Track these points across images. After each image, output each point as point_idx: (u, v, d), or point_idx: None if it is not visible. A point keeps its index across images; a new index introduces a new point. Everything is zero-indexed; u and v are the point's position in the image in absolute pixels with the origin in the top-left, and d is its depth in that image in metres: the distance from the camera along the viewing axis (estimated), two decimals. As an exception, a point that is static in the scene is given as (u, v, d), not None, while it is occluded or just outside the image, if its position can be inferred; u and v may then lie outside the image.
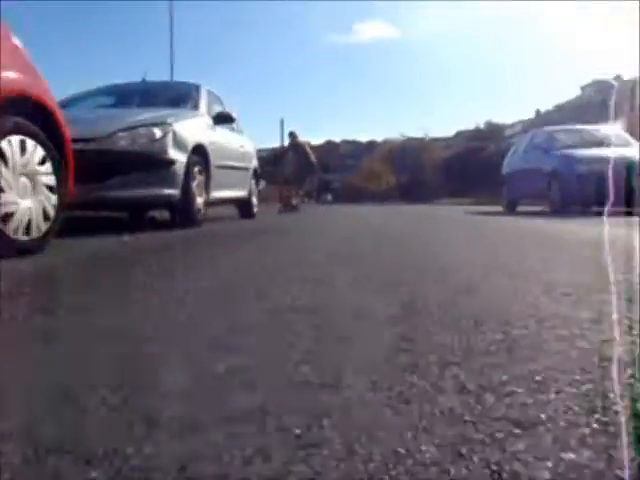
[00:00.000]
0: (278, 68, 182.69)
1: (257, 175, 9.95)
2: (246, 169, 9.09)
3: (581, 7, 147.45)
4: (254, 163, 9.71)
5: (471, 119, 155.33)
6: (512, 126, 48.98)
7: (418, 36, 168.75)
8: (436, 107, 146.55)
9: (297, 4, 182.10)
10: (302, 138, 15.36)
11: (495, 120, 56.32)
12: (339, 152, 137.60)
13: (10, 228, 2.99)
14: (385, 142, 67.74)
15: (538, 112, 46.07)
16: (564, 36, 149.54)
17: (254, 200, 9.76)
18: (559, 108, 41.70)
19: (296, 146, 14.99)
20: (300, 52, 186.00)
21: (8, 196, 2.99)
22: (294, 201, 14.38)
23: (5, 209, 2.95)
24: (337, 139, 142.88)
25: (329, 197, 67.05)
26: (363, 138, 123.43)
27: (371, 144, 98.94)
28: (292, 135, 15.18)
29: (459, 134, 69.72)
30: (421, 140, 59.10)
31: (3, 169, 2.96)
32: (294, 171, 15.07)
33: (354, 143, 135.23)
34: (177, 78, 21.86)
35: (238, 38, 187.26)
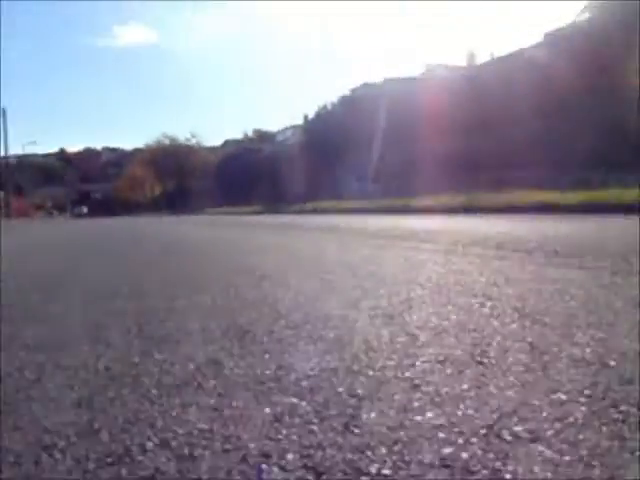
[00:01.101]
0: (35, 70, 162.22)
1: None
2: None
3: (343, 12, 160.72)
4: None
5: (238, 128, 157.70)
6: (283, 131, 49.00)
7: (180, 42, 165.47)
8: (203, 115, 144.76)
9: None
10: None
11: (264, 128, 56.08)
12: (101, 160, 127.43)
13: None
14: (148, 147, 62.36)
15: (306, 117, 47.05)
16: (326, 41, 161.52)
17: None
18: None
19: None
20: (59, 54, 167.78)
21: None
22: None
23: None
24: (98, 146, 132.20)
25: (84, 209, 59.99)
26: (127, 146, 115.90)
27: (136, 152, 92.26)
28: None
29: (227, 143, 68.35)
30: (188, 146, 56.08)
31: None
32: None
33: (117, 151, 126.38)
34: None
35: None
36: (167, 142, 59.99)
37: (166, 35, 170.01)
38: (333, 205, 21.52)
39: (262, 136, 53.46)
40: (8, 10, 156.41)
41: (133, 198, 60.17)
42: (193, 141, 57.34)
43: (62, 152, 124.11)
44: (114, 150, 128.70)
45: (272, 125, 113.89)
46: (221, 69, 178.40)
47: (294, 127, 50.92)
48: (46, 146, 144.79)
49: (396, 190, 22.73)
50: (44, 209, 49.22)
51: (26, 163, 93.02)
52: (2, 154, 33.85)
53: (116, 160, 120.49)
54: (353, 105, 32.40)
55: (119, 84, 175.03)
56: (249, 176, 35.70)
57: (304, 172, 33.47)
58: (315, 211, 20.65)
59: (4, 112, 31.84)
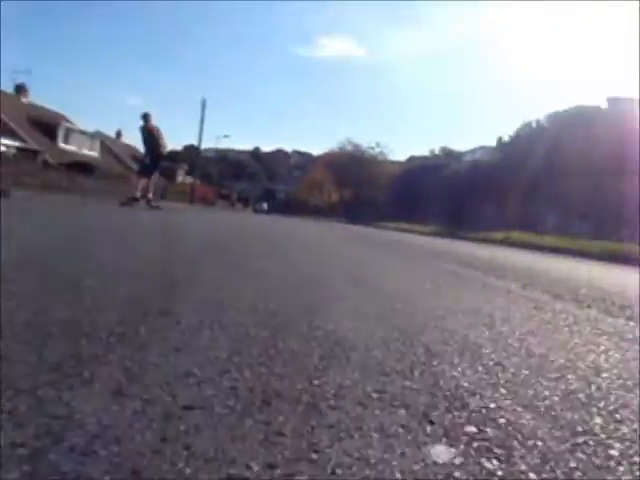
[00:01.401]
0: (241, 76, 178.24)
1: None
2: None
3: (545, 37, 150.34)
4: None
5: (424, 145, 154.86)
6: (473, 151, 45.66)
7: (382, 56, 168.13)
8: (390, 130, 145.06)
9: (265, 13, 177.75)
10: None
11: (450, 146, 53.00)
12: (289, 163, 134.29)
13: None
14: (331, 152, 62.39)
15: (500, 139, 43.30)
16: (524, 66, 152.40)
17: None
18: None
19: (144, 131, 12.70)
20: (263, 62, 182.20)
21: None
22: (138, 194, 12.27)
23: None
24: (288, 149, 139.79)
25: (264, 206, 62.29)
26: (315, 151, 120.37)
27: (320, 159, 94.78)
28: (145, 117, 12.67)
29: (412, 158, 66.20)
30: (372, 155, 55.02)
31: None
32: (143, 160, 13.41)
33: (305, 155, 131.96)
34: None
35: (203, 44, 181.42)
36: (350, 148, 59.17)
37: (367, 48, 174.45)
38: (528, 239, 17.80)
39: (449, 154, 50.39)
40: (220, 13, 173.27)
41: (312, 201, 61.15)
42: (377, 150, 56.10)
43: (256, 150, 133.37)
44: (302, 154, 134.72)
45: (461, 145, 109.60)
46: (413, 85, 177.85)
47: (484, 148, 47.18)
48: (242, 144, 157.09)
49: (610, 231, 18.56)
50: (228, 199, 51.75)
51: (221, 156, 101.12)
52: (196, 143, 35.71)
53: (303, 163, 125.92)
54: (562, 124, 28.07)
55: (315, 93, 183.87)
56: (430, 193, 33.18)
57: (492, 196, 29.95)
58: (505, 243, 17.33)
59: (204, 103, 33.57)
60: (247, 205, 61.18)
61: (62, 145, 30.99)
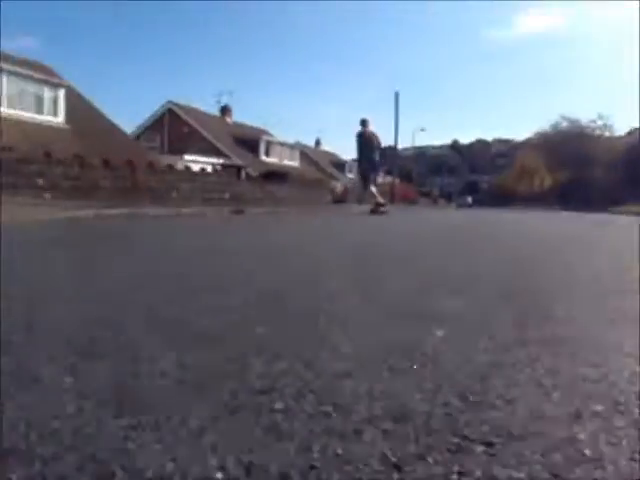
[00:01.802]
0: (426, 66, 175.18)
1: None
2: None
3: None
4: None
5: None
6: None
7: (582, 27, 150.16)
8: (605, 103, 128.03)
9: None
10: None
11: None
12: (490, 152, 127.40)
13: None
14: (541, 133, 54.55)
15: None
16: None
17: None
18: None
19: (361, 137, 12.93)
20: (459, 48, 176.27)
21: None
22: (380, 200, 12.86)
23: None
24: (489, 138, 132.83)
25: (469, 200, 58.52)
26: (518, 137, 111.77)
27: (526, 143, 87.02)
28: (363, 123, 12.97)
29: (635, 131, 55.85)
30: (593, 130, 46.82)
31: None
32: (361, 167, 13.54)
33: (507, 142, 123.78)
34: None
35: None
36: (565, 125, 51.17)
37: (565, 20, 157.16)
38: None
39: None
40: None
41: (520, 190, 55.75)
42: (599, 124, 48.04)
43: (455, 143, 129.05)
44: (505, 142, 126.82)
45: None
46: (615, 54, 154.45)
47: None
48: (440, 138, 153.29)
49: None
50: (430, 196, 49.71)
51: (420, 153, 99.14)
52: (393, 142, 34.47)
53: (506, 151, 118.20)
54: None
55: (513, 75, 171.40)
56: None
57: None
58: None
59: (397, 96, 32.07)
60: (450, 200, 58.49)
61: (263, 158, 32.37)
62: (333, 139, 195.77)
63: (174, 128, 30.17)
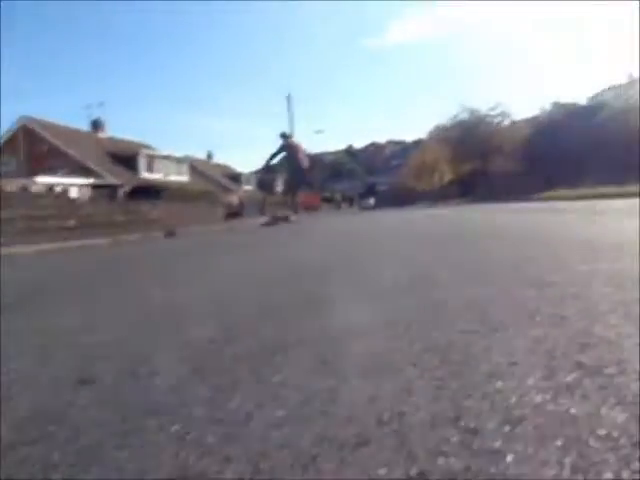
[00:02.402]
0: (313, 72, 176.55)
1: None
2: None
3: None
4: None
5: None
6: (601, 94, 37.56)
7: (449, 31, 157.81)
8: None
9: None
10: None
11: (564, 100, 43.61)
12: (385, 154, 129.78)
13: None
14: (440, 127, 52.81)
15: (630, 76, 36.62)
16: None
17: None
18: None
19: (286, 148, 13.02)
20: (336, 55, 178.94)
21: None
22: (280, 213, 12.60)
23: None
24: (382, 140, 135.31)
25: (371, 201, 57.67)
26: (409, 137, 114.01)
27: (418, 143, 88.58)
28: (284, 135, 13.31)
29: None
30: (493, 117, 45.99)
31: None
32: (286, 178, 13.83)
33: (400, 143, 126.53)
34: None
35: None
36: (466, 116, 48.83)
37: (439, 27, 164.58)
38: None
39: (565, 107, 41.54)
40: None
41: (420, 187, 55.38)
42: (498, 111, 46.36)
43: (349, 148, 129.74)
44: (398, 143, 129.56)
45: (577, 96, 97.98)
46: (500, 52, 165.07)
47: (613, 88, 38.76)
48: (334, 144, 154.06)
49: None
50: (333, 202, 47.87)
51: (318, 160, 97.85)
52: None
53: (399, 152, 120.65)
54: None
55: (400, 80, 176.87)
56: (577, 150, 26.32)
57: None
58: None
59: (289, 99, 29.35)
60: (352, 204, 57.37)
61: (145, 174, 28.31)
62: (230, 153, 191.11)
63: (31, 147, 25.51)
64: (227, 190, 37.27)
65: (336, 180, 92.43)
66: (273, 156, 12.97)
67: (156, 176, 28.94)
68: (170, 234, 9.46)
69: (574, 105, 35.81)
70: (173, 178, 30.90)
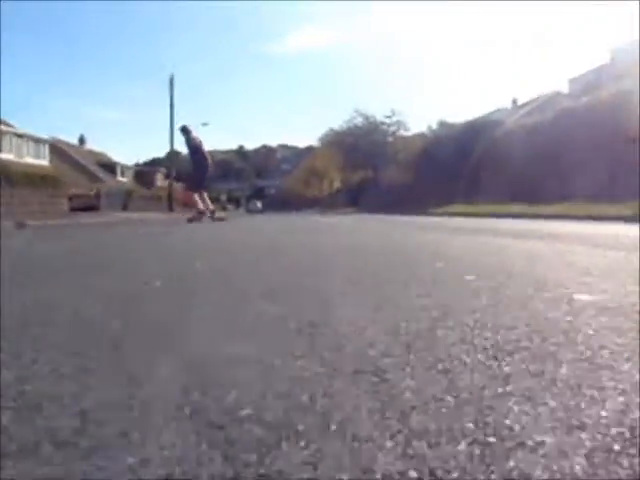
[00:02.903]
0: (210, 74, 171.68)
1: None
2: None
3: None
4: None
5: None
6: (493, 114, 38.49)
7: (351, 42, 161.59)
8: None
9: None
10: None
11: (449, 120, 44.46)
12: (276, 158, 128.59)
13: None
14: (332, 132, 50.41)
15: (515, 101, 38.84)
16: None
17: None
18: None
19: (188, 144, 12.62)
20: (233, 59, 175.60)
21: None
22: (201, 207, 12.17)
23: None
24: (273, 144, 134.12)
25: (259, 204, 55.80)
26: (301, 144, 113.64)
27: (310, 150, 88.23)
28: (184, 129, 12.58)
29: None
30: (387, 127, 45.44)
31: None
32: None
33: (292, 148, 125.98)
34: None
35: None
36: (359, 122, 46.26)
37: (337, 36, 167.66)
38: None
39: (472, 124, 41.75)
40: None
41: (309, 193, 54.43)
42: (393, 119, 44.66)
43: (241, 149, 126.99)
44: (290, 148, 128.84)
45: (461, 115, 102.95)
46: (396, 64, 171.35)
47: (500, 110, 40.09)
48: (225, 143, 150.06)
49: None
50: (219, 202, 44.92)
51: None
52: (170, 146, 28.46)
53: (290, 157, 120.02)
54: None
55: (296, 86, 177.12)
56: (462, 166, 26.07)
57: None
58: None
59: (172, 81, 26.45)
60: (238, 206, 55.02)
61: None
62: (110, 142, 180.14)
63: None
64: (97, 179, 33.37)
65: (223, 180, 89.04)
66: (192, 151, 12.51)
67: (5, 156, 24.49)
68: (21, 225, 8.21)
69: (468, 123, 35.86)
70: (30, 161, 26.61)
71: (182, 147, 13.04)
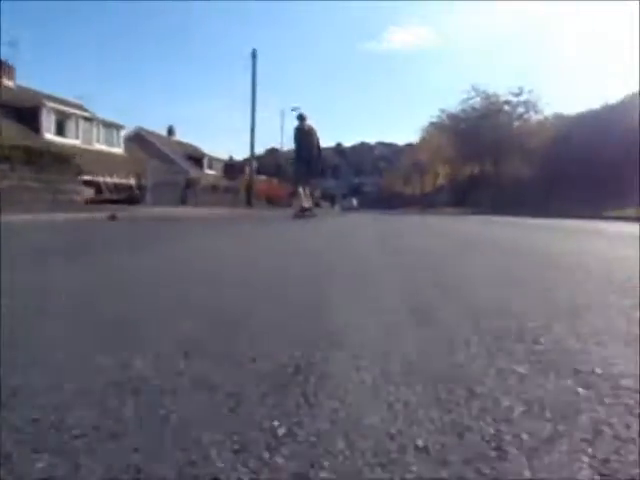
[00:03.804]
0: (313, 71, 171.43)
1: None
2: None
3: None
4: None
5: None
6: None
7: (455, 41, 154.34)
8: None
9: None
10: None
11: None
12: (373, 155, 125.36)
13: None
14: (443, 112, 40.54)
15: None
16: None
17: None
18: None
19: (299, 132, 11.75)
20: (334, 56, 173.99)
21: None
22: (306, 203, 11.69)
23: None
24: (372, 141, 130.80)
25: (354, 202, 52.46)
26: (400, 141, 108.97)
27: (409, 147, 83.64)
28: (300, 117, 11.73)
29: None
30: (511, 109, 35.84)
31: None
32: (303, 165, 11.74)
33: (390, 146, 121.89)
34: None
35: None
36: (477, 102, 36.81)
37: (440, 33, 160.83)
38: None
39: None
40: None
41: (408, 190, 49.60)
42: (522, 98, 35.10)
43: (338, 146, 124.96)
44: (387, 145, 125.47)
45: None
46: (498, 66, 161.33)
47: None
48: (323, 141, 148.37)
49: None
50: (312, 198, 41.14)
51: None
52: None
53: (388, 154, 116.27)
54: None
55: (396, 83, 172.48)
56: (615, 158, 20.43)
57: None
58: None
59: (254, 55, 23.05)
60: (334, 203, 51.88)
61: (48, 136, 21.11)
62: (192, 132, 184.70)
63: None
64: (184, 172, 30.77)
65: (321, 177, 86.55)
66: (296, 141, 11.67)
67: (69, 141, 21.97)
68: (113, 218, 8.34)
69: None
70: (99, 147, 24.20)
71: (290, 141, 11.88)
